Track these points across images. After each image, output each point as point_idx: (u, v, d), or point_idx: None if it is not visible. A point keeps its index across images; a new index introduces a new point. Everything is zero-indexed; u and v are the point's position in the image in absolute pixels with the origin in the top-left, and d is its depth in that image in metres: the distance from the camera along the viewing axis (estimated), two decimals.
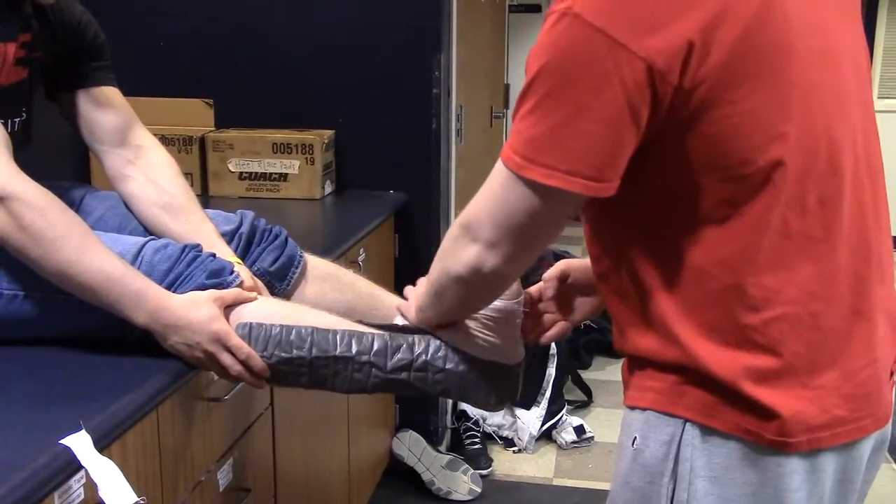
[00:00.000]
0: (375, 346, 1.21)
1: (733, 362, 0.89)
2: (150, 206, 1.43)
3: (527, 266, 0.98)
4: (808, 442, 0.90)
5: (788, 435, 0.89)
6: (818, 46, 0.90)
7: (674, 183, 0.88)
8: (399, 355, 1.20)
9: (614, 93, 0.82)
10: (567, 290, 1.24)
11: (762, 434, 0.90)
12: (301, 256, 1.48)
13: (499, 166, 0.90)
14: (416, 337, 1.22)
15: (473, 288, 1.01)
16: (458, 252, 0.97)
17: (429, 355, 1.20)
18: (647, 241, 0.93)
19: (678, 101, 0.83)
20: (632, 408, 0.99)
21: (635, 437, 0.96)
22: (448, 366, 1.20)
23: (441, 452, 2.69)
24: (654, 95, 0.83)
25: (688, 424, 0.92)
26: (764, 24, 0.84)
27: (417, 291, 1.19)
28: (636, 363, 0.99)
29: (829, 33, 0.92)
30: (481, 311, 1.20)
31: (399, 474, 2.64)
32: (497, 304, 1.18)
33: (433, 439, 2.72)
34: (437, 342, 1.21)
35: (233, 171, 2.45)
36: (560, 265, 1.24)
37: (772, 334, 0.89)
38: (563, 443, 2.96)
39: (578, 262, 1.24)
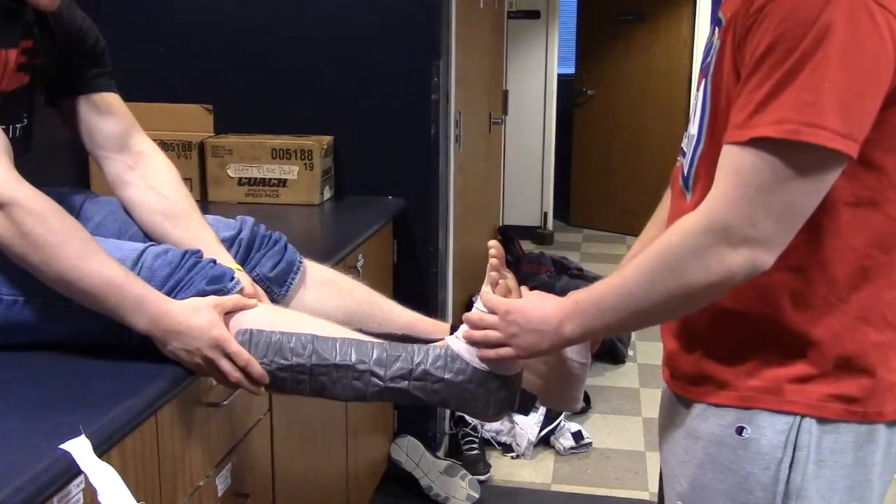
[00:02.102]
0: (375, 355, 1.21)
1: (864, 337, 0.96)
2: (150, 212, 1.43)
3: None
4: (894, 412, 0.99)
5: (885, 404, 0.98)
6: None
7: (869, 158, 0.90)
8: (398, 364, 1.21)
9: (886, 57, 0.84)
10: None
11: (865, 410, 0.98)
12: (300, 262, 1.48)
13: (751, 154, 0.86)
14: (416, 346, 1.22)
15: (718, 294, 0.94)
16: (705, 262, 0.89)
17: (428, 365, 1.20)
18: (838, 214, 0.93)
19: None
20: (727, 405, 1.02)
21: (743, 427, 1.00)
22: (447, 376, 1.20)
23: (439, 458, 2.69)
24: None
25: (805, 416, 0.98)
26: None
27: (574, 303, 1.03)
28: (753, 356, 1.00)
29: None
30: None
31: (397, 480, 2.64)
32: None
33: (431, 445, 2.72)
34: (437, 352, 1.21)
35: (232, 176, 2.46)
36: None
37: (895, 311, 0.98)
38: (562, 448, 2.96)
39: None
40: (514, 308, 1.10)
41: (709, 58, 1.01)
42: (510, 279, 1.21)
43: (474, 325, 1.15)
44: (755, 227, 0.87)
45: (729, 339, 1.02)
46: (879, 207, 0.93)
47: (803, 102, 0.84)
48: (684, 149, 1.06)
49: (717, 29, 1.01)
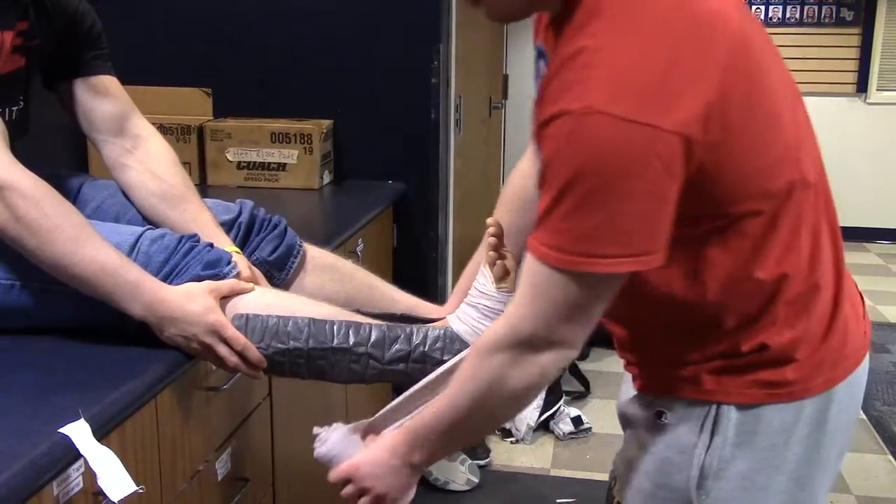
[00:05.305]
0: (373, 337, 1.20)
1: (780, 338, 0.99)
2: (148, 195, 1.43)
3: None
4: (824, 382, 1.02)
5: (812, 379, 1.01)
6: (777, 66, 0.97)
7: (720, 208, 0.93)
8: (397, 346, 1.20)
9: (654, 170, 0.85)
10: None
11: (792, 390, 1.00)
12: (300, 246, 1.48)
13: (545, 272, 0.90)
14: (415, 328, 1.22)
15: (538, 392, 1.02)
16: (519, 370, 0.97)
17: (426, 347, 1.20)
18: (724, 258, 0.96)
19: (704, 153, 0.87)
20: (654, 393, 1.06)
21: (663, 412, 1.04)
22: (446, 357, 1.19)
23: None
24: (686, 157, 0.86)
25: (722, 403, 1.01)
26: (750, 58, 0.90)
27: (412, 432, 1.08)
28: (678, 358, 1.03)
29: (776, 57, 0.99)
30: (481, 303, 1.20)
31: None
32: (497, 295, 1.18)
33: None
34: (436, 333, 1.21)
35: (231, 160, 2.45)
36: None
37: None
38: (561, 433, 2.97)
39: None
40: (359, 465, 1.11)
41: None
42: (509, 258, 1.21)
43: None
44: (554, 333, 0.94)
45: (660, 337, 1.06)
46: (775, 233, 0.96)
47: (579, 235, 0.87)
48: None
49: (542, 63, 1.02)
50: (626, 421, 1.13)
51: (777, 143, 0.93)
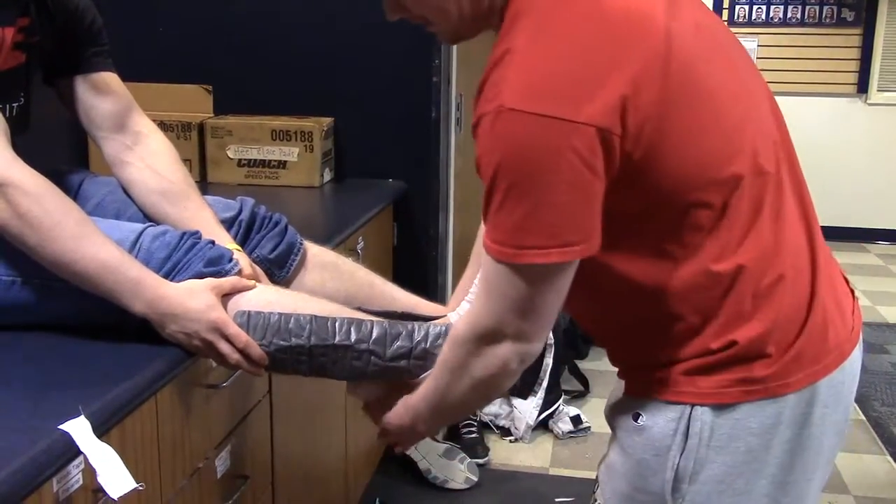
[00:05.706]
0: (375, 334, 1.21)
1: (746, 333, 0.99)
2: (148, 192, 1.42)
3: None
4: (805, 377, 1.01)
5: (791, 374, 1.00)
6: (719, 61, 0.99)
7: (667, 201, 0.95)
8: (398, 343, 1.20)
9: (570, 163, 0.88)
10: None
11: (766, 386, 1.00)
12: (301, 244, 1.48)
13: (493, 266, 0.95)
14: (416, 325, 1.22)
15: (507, 381, 1.05)
16: (481, 361, 1.01)
17: (428, 343, 1.20)
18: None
19: (628, 145, 0.90)
20: (633, 395, 1.07)
21: (639, 414, 1.04)
22: None
23: (438, 441, 2.70)
24: (606, 149, 0.89)
25: (696, 405, 1.01)
26: (673, 59, 0.92)
27: (414, 407, 1.17)
28: (652, 359, 1.04)
29: (727, 50, 1.01)
30: None
31: (396, 462, 2.65)
32: None
33: None
34: (437, 330, 1.21)
35: (231, 157, 2.45)
36: None
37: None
38: (560, 432, 2.97)
39: None
40: (385, 422, 1.22)
41: None
42: None
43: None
44: (507, 326, 0.98)
45: (631, 338, 1.07)
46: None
47: (509, 228, 0.92)
48: None
49: None
50: (609, 423, 1.14)
51: (715, 136, 0.95)
